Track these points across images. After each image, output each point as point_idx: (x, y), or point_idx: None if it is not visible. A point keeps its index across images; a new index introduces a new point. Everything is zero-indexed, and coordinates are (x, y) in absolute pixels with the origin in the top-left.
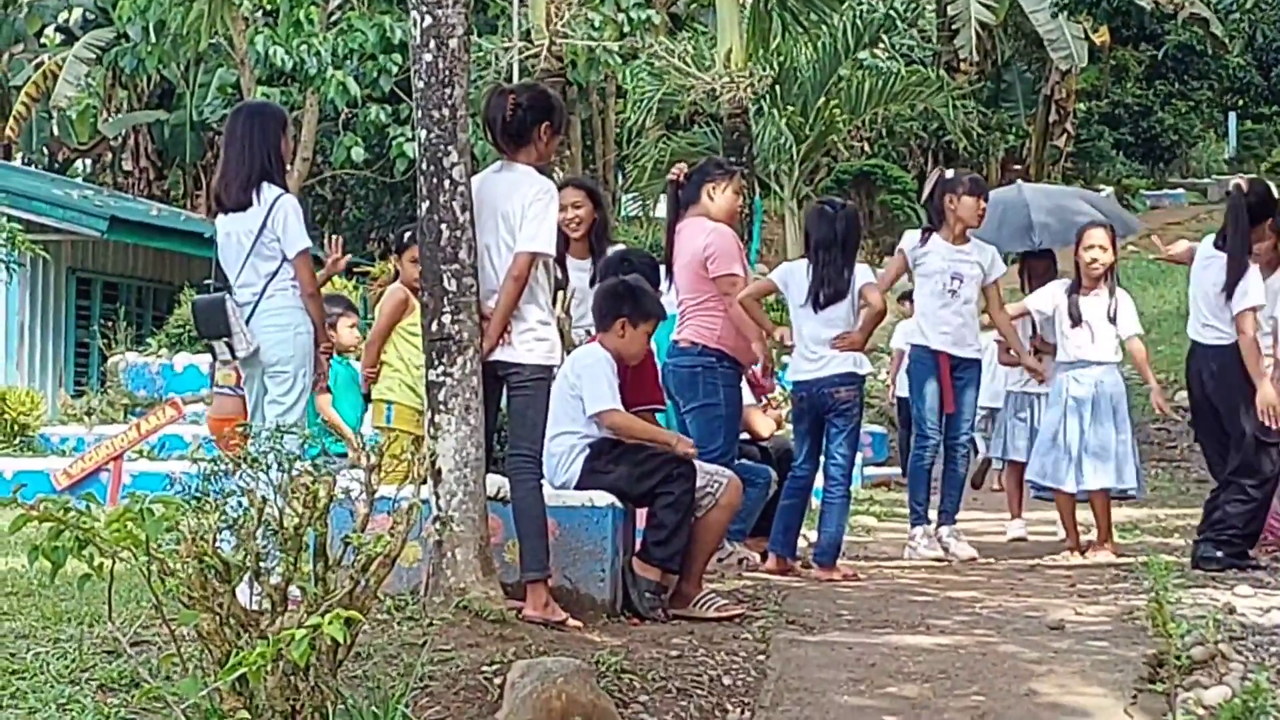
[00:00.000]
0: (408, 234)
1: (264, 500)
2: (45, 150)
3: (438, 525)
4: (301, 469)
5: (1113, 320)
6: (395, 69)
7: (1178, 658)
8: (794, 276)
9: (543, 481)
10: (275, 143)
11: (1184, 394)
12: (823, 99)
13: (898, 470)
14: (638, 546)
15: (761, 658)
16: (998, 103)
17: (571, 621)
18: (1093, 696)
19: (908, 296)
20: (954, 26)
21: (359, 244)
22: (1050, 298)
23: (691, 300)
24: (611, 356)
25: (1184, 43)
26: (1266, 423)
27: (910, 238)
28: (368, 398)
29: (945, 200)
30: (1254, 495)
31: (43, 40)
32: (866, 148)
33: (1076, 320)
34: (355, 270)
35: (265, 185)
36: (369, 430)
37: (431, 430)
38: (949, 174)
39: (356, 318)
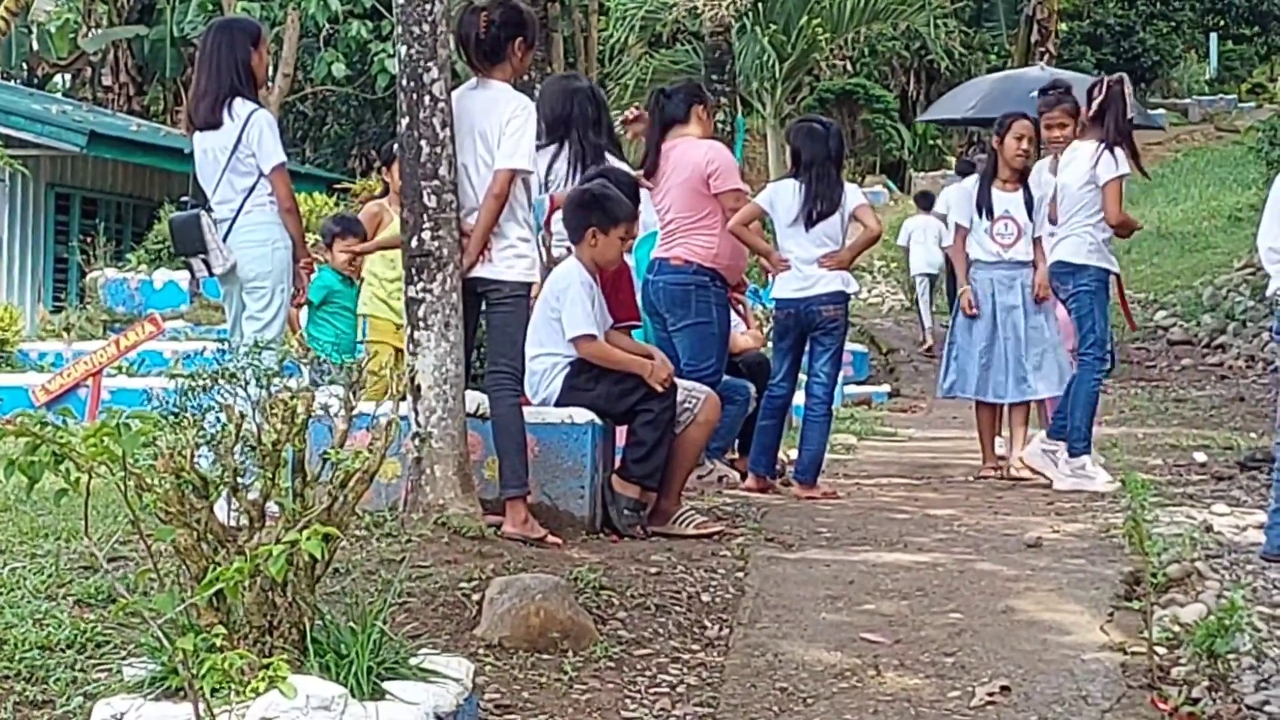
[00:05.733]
0: (396, 146)
1: (242, 416)
2: (24, 65)
3: (417, 442)
4: (280, 385)
5: (1031, 215)
6: None
7: (1154, 576)
8: (780, 196)
9: (522, 398)
10: (245, 58)
11: (1163, 313)
12: (805, 17)
13: (877, 389)
14: (617, 464)
15: (740, 575)
16: (980, 22)
17: (550, 538)
18: (1069, 614)
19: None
20: None
21: (340, 161)
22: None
23: (686, 218)
24: (589, 274)
25: None
26: None
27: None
28: None
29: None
30: None
31: None
32: (849, 67)
33: (992, 214)
34: (336, 187)
35: (238, 101)
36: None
37: (411, 347)
38: (1129, 84)
39: (353, 239)
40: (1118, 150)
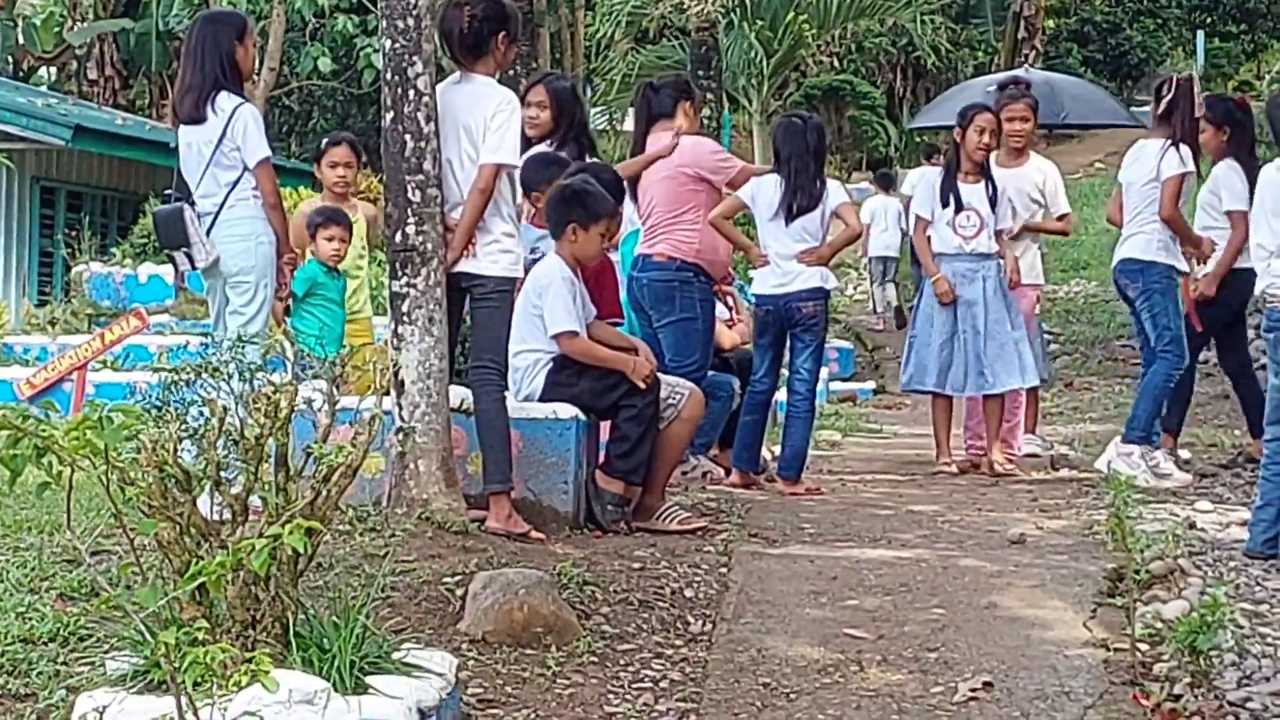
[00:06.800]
0: (326, 140)
1: (225, 410)
2: (9, 58)
3: (400, 436)
4: (263, 379)
5: (994, 208)
6: None
7: (1137, 572)
8: (762, 191)
9: (506, 393)
10: (230, 52)
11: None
12: (792, 13)
13: (863, 385)
14: (601, 459)
15: (724, 570)
16: (967, 19)
17: (534, 534)
18: (1052, 610)
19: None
20: None
21: None
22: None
23: (669, 213)
24: (570, 270)
25: None
26: None
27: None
28: None
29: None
30: None
31: None
32: (835, 63)
33: (960, 206)
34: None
35: (223, 95)
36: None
37: (395, 341)
38: (1197, 84)
39: (337, 229)
40: (1183, 148)
